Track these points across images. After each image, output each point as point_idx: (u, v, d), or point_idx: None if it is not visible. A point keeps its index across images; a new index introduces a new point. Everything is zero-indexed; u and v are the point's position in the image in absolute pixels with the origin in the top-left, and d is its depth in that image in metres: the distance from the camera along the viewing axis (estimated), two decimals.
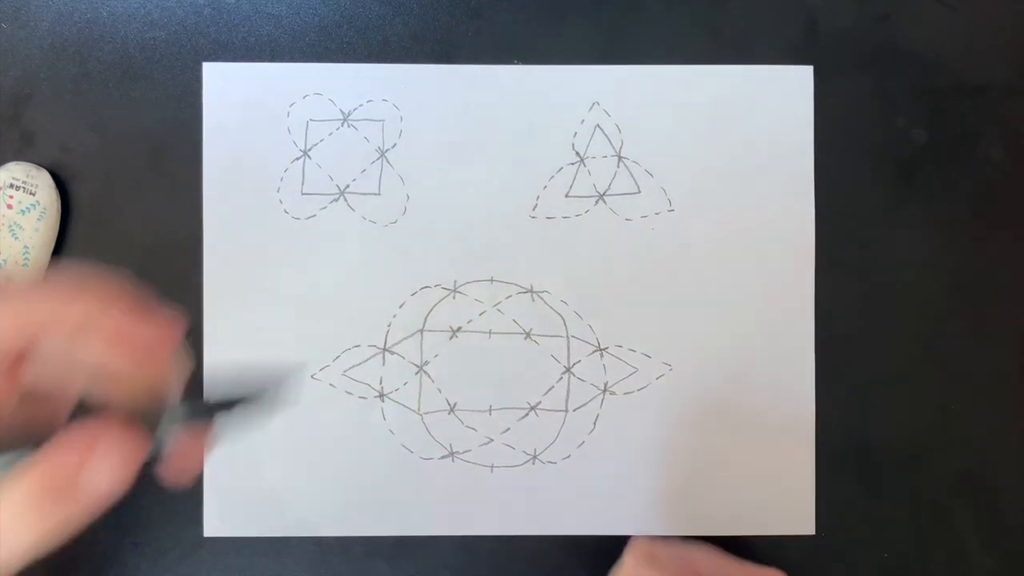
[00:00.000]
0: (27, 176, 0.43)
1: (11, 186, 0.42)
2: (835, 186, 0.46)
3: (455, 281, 0.45)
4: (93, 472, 0.22)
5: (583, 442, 0.45)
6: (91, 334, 0.23)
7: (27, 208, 0.43)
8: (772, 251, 0.46)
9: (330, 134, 0.45)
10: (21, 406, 0.24)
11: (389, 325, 0.45)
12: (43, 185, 0.44)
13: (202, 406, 0.25)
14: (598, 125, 0.46)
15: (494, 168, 0.45)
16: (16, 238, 0.42)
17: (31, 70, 0.45)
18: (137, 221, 0.45)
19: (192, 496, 0.44)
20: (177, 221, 0.45)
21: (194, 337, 0.44)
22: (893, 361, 0.46)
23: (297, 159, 0.45)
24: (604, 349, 0.45)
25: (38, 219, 0.41)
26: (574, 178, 0.45)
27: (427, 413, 0.45)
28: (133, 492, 0.46)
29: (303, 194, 0.45)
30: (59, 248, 0.44)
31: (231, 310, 0.45)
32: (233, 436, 0.29)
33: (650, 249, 0.45)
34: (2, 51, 0.45)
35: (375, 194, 0.45)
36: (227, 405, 0.26)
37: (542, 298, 0.45)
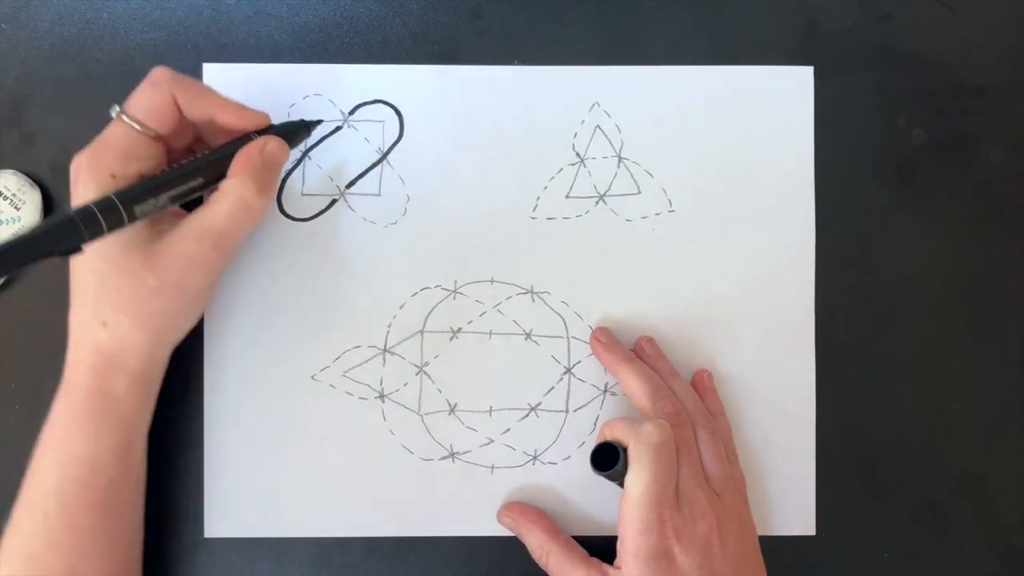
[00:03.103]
0: (19, 189, 0.43)
1: (0, 195, 0.42)
2: (835, 186, 0.46)
3: (455, 282, 0.45)
4: (276, 150, 0.40)
5: (583, 443, 0.45)
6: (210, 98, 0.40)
7: (7, 220, 0.43)
8: (772, 251, 0.46)
9: (330, 134, 0.45)
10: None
11: (389, 326, 0.45)
12: (30, 204, 0.44)
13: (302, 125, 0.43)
14: (598, 125, 0.46)
15: (494, 168, 0.45)
16: None
17: (31, 70, 0.45)
18: None
19: (192, 496, 0.44)
20: None
21: (194, 337, 0.44)
22: (893, 361, 0.46)
23: (297, 160, 0.45)
24: None
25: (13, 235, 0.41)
26: (574, 178, 0.45)
27: (427, 414, 0.45)
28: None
29: (303, 195, 0.45)
30: None
31: (231, 311, 0.45)
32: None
33: (650, 249, 0.45)
34: (2, 51, 0.45)
35: (375, 195, 0.45)
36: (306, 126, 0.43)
37: (542, 299, 0.45)
